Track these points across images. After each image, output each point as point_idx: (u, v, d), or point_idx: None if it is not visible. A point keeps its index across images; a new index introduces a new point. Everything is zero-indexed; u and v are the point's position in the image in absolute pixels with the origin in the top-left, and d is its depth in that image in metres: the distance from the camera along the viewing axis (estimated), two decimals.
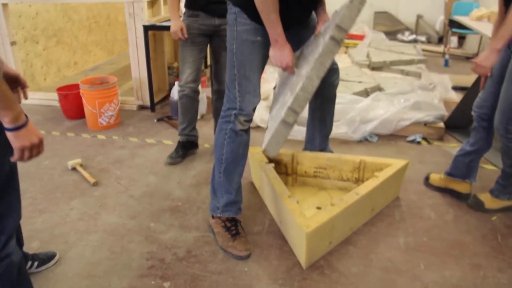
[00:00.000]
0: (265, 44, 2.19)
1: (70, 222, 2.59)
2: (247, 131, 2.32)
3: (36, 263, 2.17)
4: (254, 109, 2.27)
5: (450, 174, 2.86)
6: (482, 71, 2.35)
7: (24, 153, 1.38)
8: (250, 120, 2.30)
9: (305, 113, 2.63)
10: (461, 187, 2.83)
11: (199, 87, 3.34)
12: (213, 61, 3.30)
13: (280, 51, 2.12)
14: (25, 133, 1.36)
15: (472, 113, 2.71)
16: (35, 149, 1.40)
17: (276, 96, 2.38)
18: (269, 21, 2.04)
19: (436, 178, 2.97)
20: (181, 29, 3.06)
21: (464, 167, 2.78)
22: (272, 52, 2.15)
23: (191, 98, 3.28)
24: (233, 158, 2.31)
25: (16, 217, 1.52)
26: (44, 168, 3.25)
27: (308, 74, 1.93)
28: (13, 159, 1.40)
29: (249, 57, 2.18)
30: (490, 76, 2.48)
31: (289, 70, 2.18)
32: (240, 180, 2.39)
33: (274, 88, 2.54)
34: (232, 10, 2.17)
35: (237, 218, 2.42)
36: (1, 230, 1.46)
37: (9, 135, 1.34)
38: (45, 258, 2.22)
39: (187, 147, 3.43)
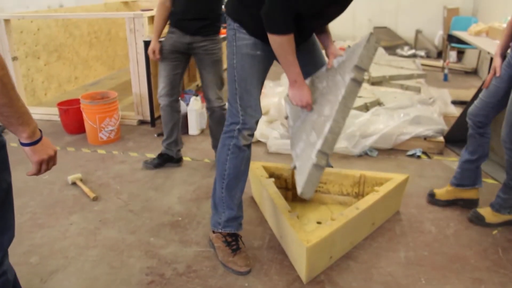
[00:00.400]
0: (265, 58, 2.21)
1: (70, 237, 2.58)
2: (249, 146, 2.32)
3: None
4: (256, 123, 2.27)
5: (458, 184, 2.87)
6: None
7: (42, 166, 1.41)
8: (253, 135, 2.30)
9: None
10: (471, 194, 2.87)
11: (178, 102, 3.43)
12: (200, 80, 3.37)
13: (299, 91, 2.17)
14: (42, 147, 1.39)
15: (467, 119, 2.74)
16: (51, 162, 1.44)
17: (295, 132, 2.40)
18: (287, 63, 2.09)
19: (443, 192, 2.95)
20: (154, 51, 3.21)
21: (472, 174, 2.82)
22: (291, 92, 2.19)
23: (167, 111, 3.37)
24: (236, 174, 2.30)
25: (11, 235, 1.48)
26: (43, 183, 3.25)
27: (334, 117, 1.98)
28: (30, 173, 1.43)
29: (249, 71, 2.20)
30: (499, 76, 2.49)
31: (308, 108, 2.21)
32: (241, 196, 2.39)
33: (286, 118, 2.57)
34: (231, 26, 2.19)
35: (238, 233, 2.41)
36: (8, 241, 1.46)
37: (26, 150, 1.37)
38: None
39: (164, 159, 3.51)
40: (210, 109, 3.31)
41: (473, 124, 2.71)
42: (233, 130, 2.26)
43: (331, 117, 1.99)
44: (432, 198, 2.96)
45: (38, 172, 1.43)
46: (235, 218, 2.37)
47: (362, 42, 2.00)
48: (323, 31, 2.37)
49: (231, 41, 2.21)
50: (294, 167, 2.19)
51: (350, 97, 1.98)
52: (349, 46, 2.21)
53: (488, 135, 2.72)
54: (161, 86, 3.30)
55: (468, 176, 2.83)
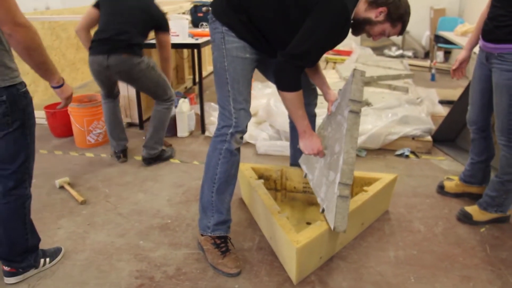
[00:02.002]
0: (253, 61, 2.23)
1: (58, 242, 2.56)
2: (239, 150, 2.33)
3: (48, 259, 2.32)
4: (247, 125, 2.28)
5: (466, 181, 2.98)
6: None
7: (66, 101, 2.16)
8: (243, 138, 2.31)
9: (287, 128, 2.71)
10: (478, 190, 2.96)
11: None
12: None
13: (309, 140, 2.33)
14: (66, 88, 2.13)
15: (468, 127, 2.84)
16: (70, 99, 2.18)
17: (315, 182, 2.53)
18: (297, 116, 2.25)
19: (452, 185, 3.06)
20: None
21: (480, 173, 2.92)
22: (302, 142, 2.34)
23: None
24: (226, 178, 2.30)
25: (33, 163, 2.14)
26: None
27: (345, 149, 2.16)
28: (60, 106, 2.21)
29: (241, 73, 2.21)
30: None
31: (321, 154, 2.37)
32: (231, 200, 2.38)
33: (305, 176, 2.71)
34: (219, 29, 2.19)
35: (227, 235, 2.40)
36: (29, 172, 2.12)
37: (57, 91, 2.10)
38: (53, 253, 2.38)
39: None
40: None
41: (476, 129, 2.79)
42: (225, 134, 2.24)
43: (342, 150, 2.16)
44: (441, 190, 3.09)
45: (66, 104, 2.20)
46: (224, 221, 2.35)
47: (350, 79, 2.23)
48: (316, 72, 2.52)
49: (219, 44, 2.20)
50: (323, 210, 2.32)
51: (353, 127, 2.18)
52: (340, 90, 2.43)
53: (491, 137, 2.81)
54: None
55: (477, 174, 2.93)
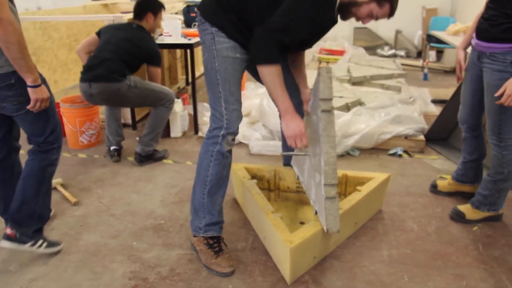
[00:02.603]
0: (243, 61, 2.23)
1: None
2: (231, 152, 2.32)
3: (45, 244, 2.39)
4: (239, 126, 2.27)
5: (459, 180, 2.99)
6: None
7: (37, 103, 2.14)
8: (235, 139, 2.31)
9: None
10: (470, 188, 2.97)
11: None
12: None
13: (291, 121, 2.16)
14: (40, 90, 2.13)
15: (460, 125, 2.85)
16: (44, 103, 2.16)
17: (306, 184, 2.55)
18: (277, 93, 2.13)
19: (445, 184, 3.08)
20: None
21: (472, 173, 2.93)
22: (284, 123, 2.19)
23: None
24: (218, 179, 2.29)
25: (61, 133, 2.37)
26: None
27: (324, 149, 2.14)
28: (29, 107, 2.15)
29: (232, 73, 2.20)
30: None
31: (304, 139, 2.18)
32: (222, 201, 2.37)
33: (298, 178, 2.73)
34: (209, 30, 2.19)
35: (220, 235, 2.40)
36: (58, 141, 2.35)
37: (29, 90, 2.10)
38: (53, 243, 2.45)
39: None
40: None
41: (467, 128, 2.80)
42: (216, 136, 2.24)
43: (322, 151, 2.14)
44: (434, 189, 3.10)
45: (34, 106, 2.14)
46: (216, 223, 2.35)
47: (317, 78, 2.20)
48: (297, 67, 2.50)
49: (209, 45, 2.20)
50: (316, 212, 2.32)
51: (329, 126, 2.17)
52: (311, 89, 2.40)
53: (482, 136, 2.82)
54: None
55: (469, 173, 2.95)
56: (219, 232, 2.36)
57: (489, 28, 2.40)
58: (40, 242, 2.37)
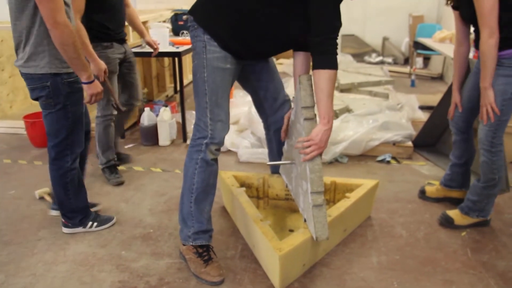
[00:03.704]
0: (233, 71, 2.21)
1: (38, 253, 2.52)
2: (217, 161, 2.30)
3: (96, 224, 2.75)
4: (224, 138, 2.24)
5: (447, 185, 3.01)
6: (489, 108, 2.42)
7: (92, 97, 2.49)
8: (220, 149, 2.27)
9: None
10: (458, 194, 3.00)
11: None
12: (122, 84, 3.50)
13: (328, 133, 2.11)
14: (94, 85, 2.46)
15: (450, 127, 2.88)
16: (99, 96, 2.52)
17: (294, 192, 2.53)
18: (331, 99, 2.10)
19: (433, 190, 3.09)
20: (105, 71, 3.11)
21: (460, 177, 2.95)
22: (320, 130, 2.10)
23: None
24: (204, 187, 2.27)
25: (79, 146, 2.56)
26: (9, 198, 3.16)
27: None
28: (85, 101, 2.52)
29: (221, 85, 2.17)
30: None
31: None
32: (210, 209, 2.35)
33: (287, 186, 2.72)
34: (201, 38, 2.14)
35: (209, 244, 2.38)
36: (72, 148, 2.51)
37: (85, 86, 2.44)
38: (103, 220, 2.79)
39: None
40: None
41: (457, 131, 2.83)
42: (200, 144, 2.22)
43: (311, 169, 2.13)
44: (423, 195, 3.12)
45: (90, 100, 2.51)
46: (205, 231, 2.33)
47: (298, 87, 2.21)
48: (305, 70, 2.40)
49: (200, 53, 2.16)
50: (305, 220, 2.31)
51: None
52: (293, 97, 2.41)
53: (471, 139, 2.85)
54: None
55: (457, 178, 2.96)
56: (208, 240, 2.35)
57: None
58: (90, 223, 2.72)
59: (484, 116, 2.45)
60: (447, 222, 2.74)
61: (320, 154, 2.14)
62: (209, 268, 2.27)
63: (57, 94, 2.35)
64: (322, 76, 2.05)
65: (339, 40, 2.15)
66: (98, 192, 3.26)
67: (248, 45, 2.17)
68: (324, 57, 2.06)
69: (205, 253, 2.32)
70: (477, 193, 2.66)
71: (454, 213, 2.75)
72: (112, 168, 3.46)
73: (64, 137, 2.46)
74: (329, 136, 2.13)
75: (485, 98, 2.41)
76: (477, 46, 2.52)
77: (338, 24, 2.06)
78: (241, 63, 2.25)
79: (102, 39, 3.15)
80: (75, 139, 2.51)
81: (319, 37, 2.03)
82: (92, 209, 2.85)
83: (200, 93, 2.19)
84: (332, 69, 2.05)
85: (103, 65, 3.04)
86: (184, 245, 2.37)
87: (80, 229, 2.71)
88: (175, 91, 6.00)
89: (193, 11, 2.21)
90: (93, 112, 3.33)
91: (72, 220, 2.68)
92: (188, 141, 4.15)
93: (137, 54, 4.35)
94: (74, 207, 2.66)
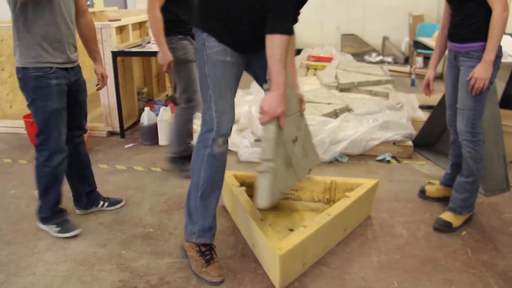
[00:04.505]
0: (234, 64, 2.22)
1: (38, 253, 2.52)
2: (223, 155, 2.28)
3: (106, 203, 2.97)
4: (231, 129, 2.24)
5: (447, 184, 3.01)
6: (483, 83, 2.44)
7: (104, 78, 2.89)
8: (227, 141, 2.26)
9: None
10: None
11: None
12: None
13: (278, 100, 2.07)
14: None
15: (448, 127, 2.89)
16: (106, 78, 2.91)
17: None
18: (281, 66, 2.04)
19: (433, 189, 3.10)
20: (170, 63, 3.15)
21: None
22: (269, 97, 2.08)
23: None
24: (210, 183, 2.26)
25: (56, 145, 2.53)
26: (10, 198, 3.16)
27: (264, 127, 2.14)
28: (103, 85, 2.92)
29: (222, 77, 2.19)
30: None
31: (281, 120, 2.13)
32: (216, 205, 2.34)
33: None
34: (200, 37, 2.19)
35: (212, 243, 2.38)
36: (45, 145, 2.50)
37: (98, 68, 2.88)
38: (114, 202, 3.02)
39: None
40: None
41: (455, 130, 2.82)
42: (207, 139, 2.22)
43: (263, 128, 2.14)
44: (423, 194, 3.12)
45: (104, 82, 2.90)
46: (210, 228, 2.33)
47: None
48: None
49: (200, 50, 2.20)
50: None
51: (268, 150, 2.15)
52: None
53: None
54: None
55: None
56: (211, 239, 2.35)
57: (458, 31, 2.55)
58: (102, 203, 2.97)
59: (474, 90, 2.47)
60: (446, 228, 2.70)
61: (277, 123, 2.11)
62: (210, 268, 2.28)
63: (26, 88, 2.43)
64: (273, 41, 2.01)
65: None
66: (99, 191, 3.24)
67: (237, 36, 2.19)
68: (276, 22, 2.01)
69: (207, 252, 2.32)
70: (465, 189, 2.68)
71: (449, 216, 2.73)
72: (185, 159, 3.48)
73: (39, 131, 2.50)
74: (281, 101, 2.06)
75: (484, 71, 2.42)
76: (450, 37, 2.63)
77: None
78: (245, 56, 2.25)
79: (179, 32, 3.25)
80: (50, 137, 2.50)
81: (275, 3, 2.00)
82: (115, 207, 3.01)
83: (204, 88, 2.22)
84: (283, 34, 2.01)
85: (169, 56, 3.12)
86: (187, 241, 2.37)
87: (93, 209, 2.94)
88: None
89: (193, 21, 2.31)
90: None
91: (39, 213, 2.72)
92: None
93: (137, 54, 4.36)
94: (41, 203, 2.69)
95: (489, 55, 2.40)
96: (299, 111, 2.43)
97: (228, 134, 2.23)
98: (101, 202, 2.97)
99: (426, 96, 3.07)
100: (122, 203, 3.03)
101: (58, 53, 2.46)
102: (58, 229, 2.68)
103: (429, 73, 2.91)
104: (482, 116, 2.56)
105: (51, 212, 2.69)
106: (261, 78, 2.37)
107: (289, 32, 2.03)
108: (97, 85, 2.95)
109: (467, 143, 2.58)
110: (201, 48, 2.20)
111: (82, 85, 2.73)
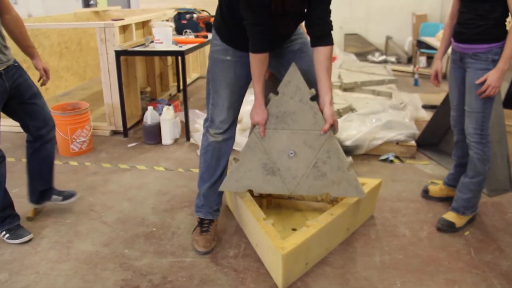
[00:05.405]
0: (235, 63, 2.35)
1: (41, 252, 2.53)
2: (219, 143, 2.46)
3: (7, 235, 2.61)
4: (222, 123, 2.41)
5: (450, 185, 3.00)
6: (495, 91, 2.41)
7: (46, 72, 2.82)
8: (221, 133, 2.44)
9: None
10: None
11: None
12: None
13: (257, 108, 2.34)
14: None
15: (453, 128, 2.87)
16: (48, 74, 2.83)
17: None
18: (254, 79, 2.30)
19: (436, 189, 3.09)
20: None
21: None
22: (253, 108, 2.36)
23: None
24: (207, 167, 2.53)
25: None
26: (13, 197, 3.14)
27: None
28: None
29: (219, 74, 2.37)
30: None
31: (261, 127, 2.36)
32: (215, 188, 2.54)
33: None
34: (212, 37, 2.40)
35: (212, 219, 2.60)
36: None
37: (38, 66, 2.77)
38: (68, 195, 2.94)
39: None
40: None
41: (460, 130, 2.81)
42: (206, 128, 2.51)
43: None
44: (426, 194, 3.12)
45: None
46: (202, 205, 2.58)
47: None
48: (319, 67, 2.28)
49: (210, 49, 2.43)
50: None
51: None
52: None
53: None
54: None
55: (459, 178, 2.89)
56: (205, 215, 2.58)
57: (466, 31, 2.49)
58: (55, 197, 2.90)
59: (484, 95, 2.44)
60: (449, 228, 2.69)
61: (257, 130, 2.39)
62: (201, 238, 2.50)
63: None
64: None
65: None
66: (102, 191, 3.26)
67: (236, 37, 2.29)
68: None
69: (206, 224, 2.57)
70: (470, 189, 2.67)
71: (452, 217, 2.72)
72: None
73: None
74: (257, 112, 2.36)
75: (497, 80, 2.37)
76: (456, 37, 2.58)
77: (245, 11, 2.13)
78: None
79: None
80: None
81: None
82: (69, 200, 2.95)
83: (207, 82, 2.50)
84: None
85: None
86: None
87: (46, 203, 2.90)
88: (178, 90, 6.01)
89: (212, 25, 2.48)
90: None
91: (32, 197, 2.81)
92: (192, 140, 4.20)
93: (140, 53, 4.37)
94: (30, 192, 2.80)
95: (504, 64, 2.36)
96: (317, 130, 2.33)
97: (219, 127, 2.43)
98: (54, 197, 2.91)
99: (429, 95, 3.04)
100: (76, 196, 2.96)
101: None
102: (9, 235, 2.60)
103: (437, 64, 2.83)
104: (490, 118, 2.54)
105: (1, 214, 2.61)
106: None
107: (254, 51, 2.19)
108: (39, 80, 2.82)
109: (475, 145, 2.56)
110: (211, 46, 2.42)
111: (23, 84, 2.59)
